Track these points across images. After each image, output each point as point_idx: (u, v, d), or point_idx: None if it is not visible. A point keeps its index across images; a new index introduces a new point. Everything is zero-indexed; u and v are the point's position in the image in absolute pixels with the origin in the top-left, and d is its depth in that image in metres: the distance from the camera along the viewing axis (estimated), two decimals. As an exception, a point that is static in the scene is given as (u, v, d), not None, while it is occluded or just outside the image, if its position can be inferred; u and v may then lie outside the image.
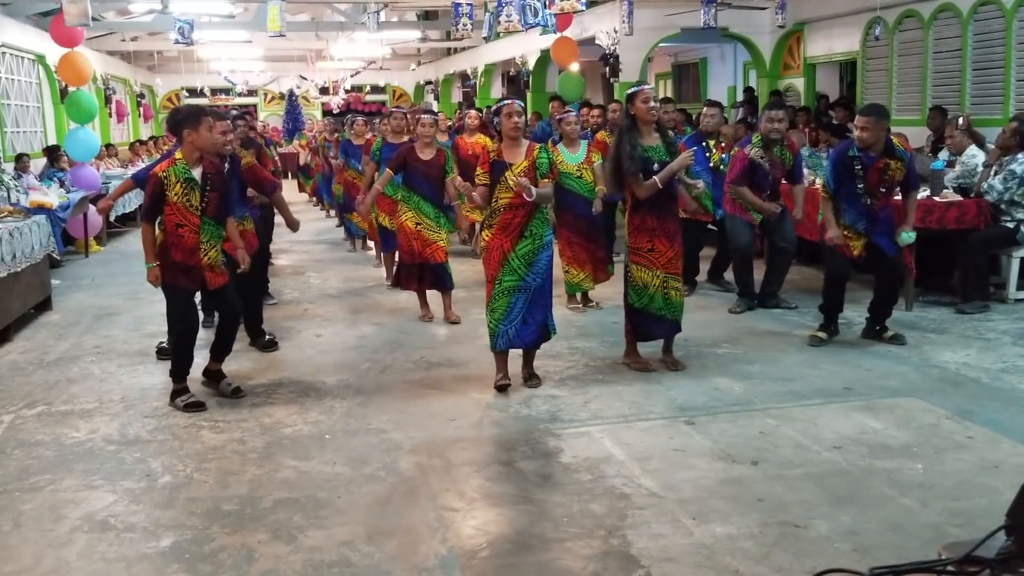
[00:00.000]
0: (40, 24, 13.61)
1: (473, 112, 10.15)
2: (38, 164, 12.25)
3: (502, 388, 5.02)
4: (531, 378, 5.15)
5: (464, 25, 11.43)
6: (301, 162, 18.09)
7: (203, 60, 22.82)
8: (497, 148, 5.07)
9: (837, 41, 11.90)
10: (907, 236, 5.82)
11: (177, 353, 4.99)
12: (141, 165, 13.17)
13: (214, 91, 25.57)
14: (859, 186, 5.62)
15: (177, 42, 12.82)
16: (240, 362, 5.66)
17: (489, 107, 14.14)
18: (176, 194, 4.73)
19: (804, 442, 4.16)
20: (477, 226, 7.47)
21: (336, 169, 10.60)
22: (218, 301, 5.14)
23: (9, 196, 8.78)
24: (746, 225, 6.95)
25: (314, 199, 16.18)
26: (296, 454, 4.19)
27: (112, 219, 12.50)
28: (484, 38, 15.77)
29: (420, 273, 6.84)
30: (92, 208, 10.88)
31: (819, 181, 6.81)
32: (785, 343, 5.97)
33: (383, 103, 26.75)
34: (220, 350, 5.19)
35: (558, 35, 11.86)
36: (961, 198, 6.98)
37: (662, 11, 12.48)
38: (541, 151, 5.03)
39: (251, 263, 5.37)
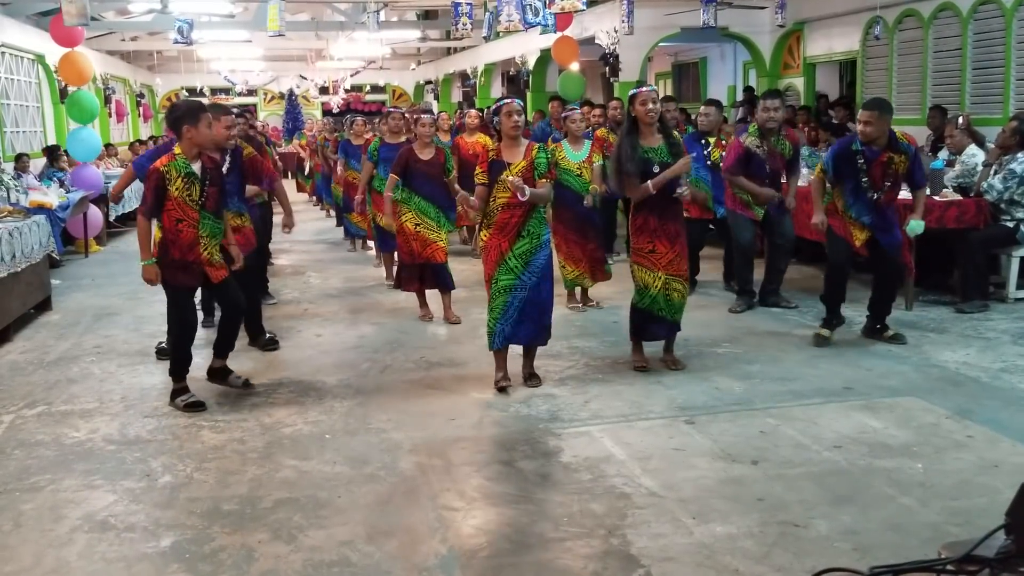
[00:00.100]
0: (40, 24, 13.60)
1: (473, 112, 10.15)
2: (38, 164, 12.25)
3: (502, 388, 5.02)
4: (531, 378, 5.15)
5: (464, 25, 11.41)
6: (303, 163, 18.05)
7: (203, 60, 22.81)
8: (496, 148, 5.07)
9: (837, 40, 11.89)
10: (916, 224, 5.78)
11: (176, 352, 5.00)
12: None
13: (214, 91, 25.53)
14: (863, 180, 5.62)
15: (177, 42, 12.82)
16: (240, 362, 5.66)
17: (489, 107, 14.13)
18: (177, 188, 4.74)
19: (804, 441, 4.17)
20: (477, 226, 7.46)
21: (333, 166, 10.57)
22: (220, 295, 5.12)
23: (9, 196, 8.78)
24: (748, 222, 6.96)
25: (314, 199, 16.18)
26: (296, 454, 4.20)
27: (112, 219, 12.49)
28: (484, 38, 15.79)
29: (420, 273, 6.85)
30: (92, 208, 10.89)
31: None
32: (785, 343, 5.97)
33: (383, 103, 26.71)
34: (223, 346, 5.18)
35: (558, 35, 11.85)
36: (961, 197, 6.99)
37: (662, 11, 12.47)
38: (540, 151, 5.03)
39: (250, 262, 5.37)
